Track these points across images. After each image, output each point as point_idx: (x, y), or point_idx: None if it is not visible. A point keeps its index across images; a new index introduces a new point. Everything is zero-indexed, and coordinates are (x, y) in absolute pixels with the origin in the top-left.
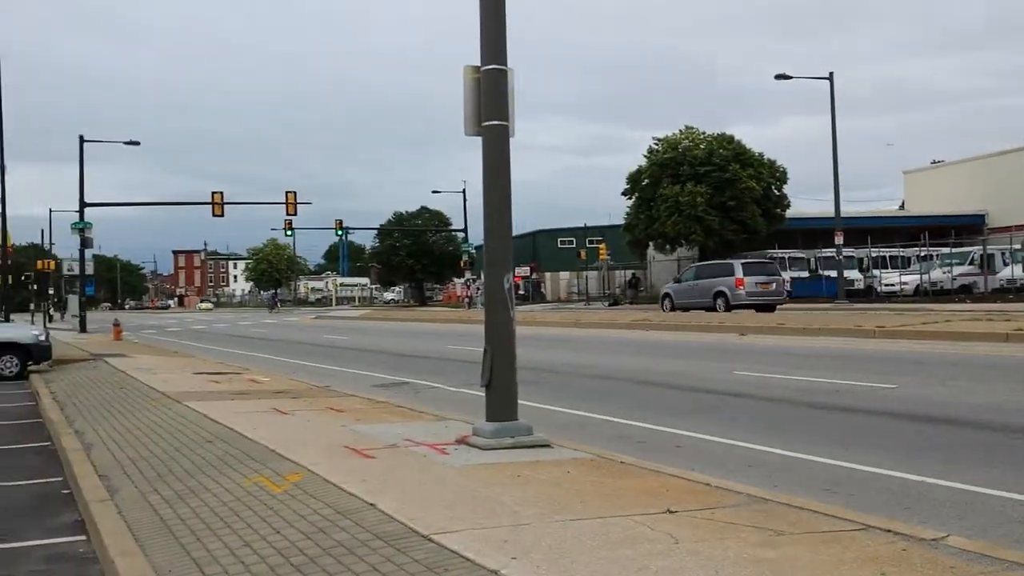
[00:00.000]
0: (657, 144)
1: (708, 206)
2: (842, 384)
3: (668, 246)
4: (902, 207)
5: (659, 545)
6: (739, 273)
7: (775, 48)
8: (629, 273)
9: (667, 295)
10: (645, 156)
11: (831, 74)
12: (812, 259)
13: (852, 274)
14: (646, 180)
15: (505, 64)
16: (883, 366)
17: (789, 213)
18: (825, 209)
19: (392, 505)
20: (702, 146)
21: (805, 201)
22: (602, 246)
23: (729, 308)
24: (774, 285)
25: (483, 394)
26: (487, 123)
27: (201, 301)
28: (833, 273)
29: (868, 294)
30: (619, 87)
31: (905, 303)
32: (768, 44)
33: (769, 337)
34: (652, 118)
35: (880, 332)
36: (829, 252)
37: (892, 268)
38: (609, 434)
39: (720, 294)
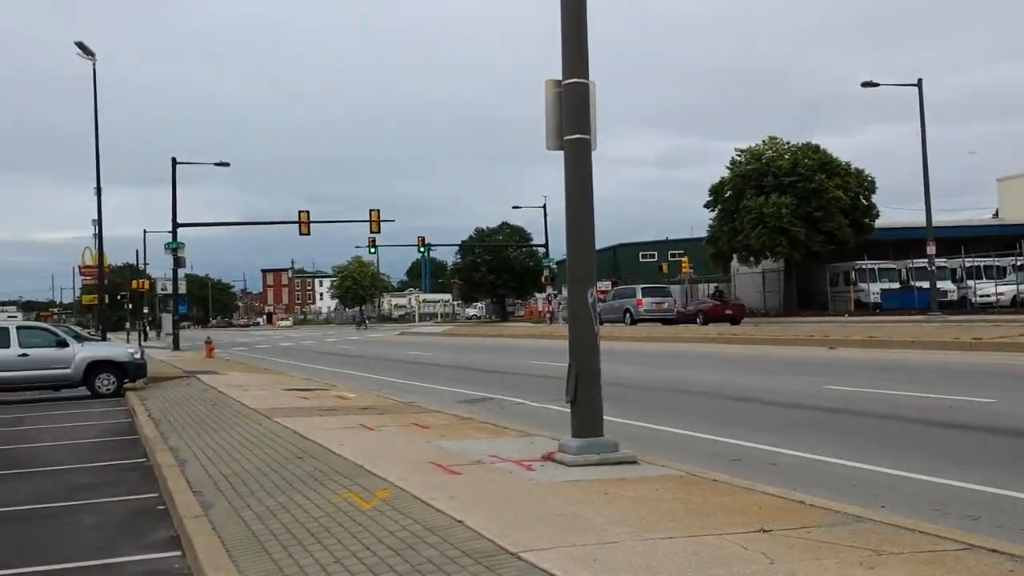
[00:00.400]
0: (740, 155)
1: (793, 217)
2: (943, 399)
3: (752, 258)
4: (996, 215)
5: (754, 565)
6: (639, 295)
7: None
8: (713, 286)
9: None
10: (728, 167)
11: (919, 81)
12: (903, 270)
13: (945, 285)
14: (729, 192)
15: (587, 77)
16: (982, 380)
17: (878, 223)
18: (916, 218)
19: (480, 522)
20: (787, 156)
21: (895, 210)
22: (684, 259)
23: (634, 322)
24: (666, 304)
25: (568, 410)
26: (569, 137)
27: (280, 319)
28: (925, 284)
29: (962, 305)
30: (701, 98)
31: (1002, 314)
32: (853, 52)
33: (858, 350)
34: (734, 129)
35: (977, 344)
36: (921, 262)
37: (987, 278)
38: (699, 451)
39: (627, 311)
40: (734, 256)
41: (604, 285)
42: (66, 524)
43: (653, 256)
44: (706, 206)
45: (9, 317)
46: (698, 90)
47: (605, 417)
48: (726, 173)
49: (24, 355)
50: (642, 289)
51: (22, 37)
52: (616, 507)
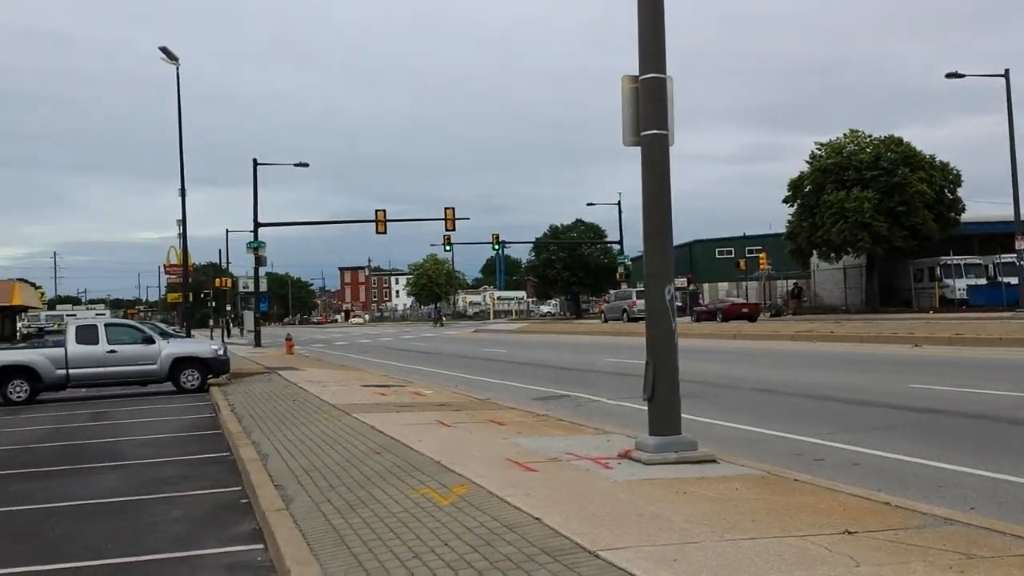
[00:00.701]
0: (820, 149)
1: (875, 212)
2: None
3: (833, 254)
4: None
5: (838, 568)
6: (634, 297)
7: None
8: (791, 283)
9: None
10: (807, 162)
11: (1007, 71)
12: (990, 265)
13: None
14: (808, 187)
15: (664, 72)
16: None
17: (964, 217)
18: (1004, 212)
19: (557, 519)
20: (868, 150)
21: (983, 204)
22: (762, 255)
23: (631, 320)
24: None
25: (645, 407)
26: (646, 132)
27: (354, 316)
28: (1014, 280)
29: None
30: (780, 92)
31: None
32: (936, 43)
33: (944, 348)
34: (814, 123)
35: None
36: (1009, 258)
37: None
38: (779, 450)
39: (624, 311)
40: (814, 252)
41: (680, 281)
42: (152, 516)
43: (730, 252)
44: (785, 201)
45: (97, 315)
46: (777, 84)
47: (683, 415)
48: (805, 167)
49: (112, 351)
50: (636, 292)
51: (111, 44)
52: (695, 506)
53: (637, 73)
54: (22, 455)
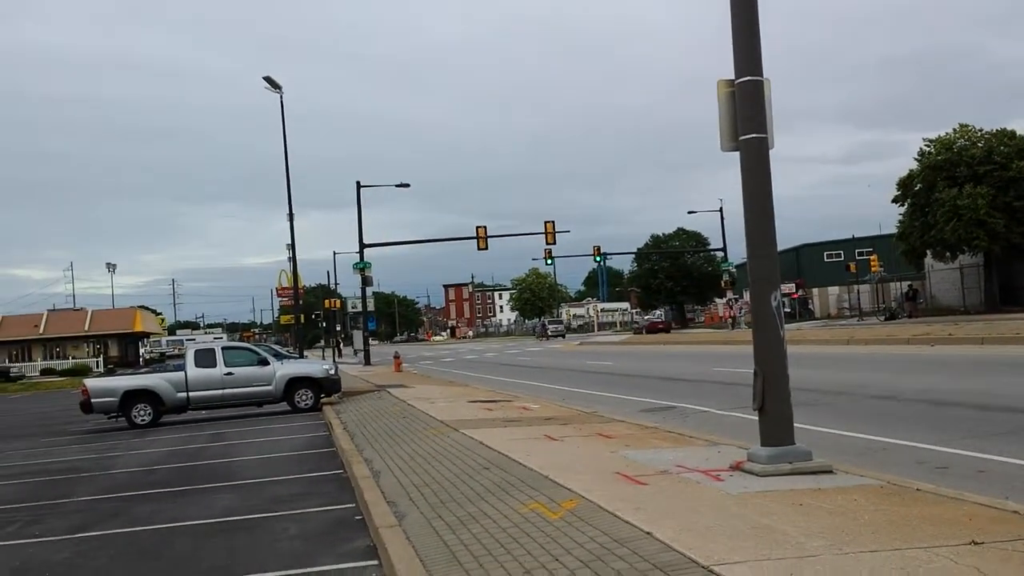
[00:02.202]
0: (929, 146)
1: (991, 208)
2: None
3: (948, 254)
4: None
5: None
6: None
7: None
8: (905, 285)
9: None
10: (916, 159)
11: None
12: None
13: None
14: (919, 185)
15: (760, 75)
16: None
17: None
18: None
19: (669, 533)
20: (980, 144)
21: None
22: (873, 257)
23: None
24: (561, 327)
25: (756, 418)
26: (744, 137)
27: (435, 335)
28: None
29: None
30: (883, 90)
31: None
32: None
33: None
34: (920, 120)
35: None
36: None
37: None
38: (899, 459)
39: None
40: (927, 252)
41: (788, 287)
42: (270, 534)
43: (839, 255)
44: (894, 201)
45: (215, 338)
46: (880, 82)
47: (796, 424)
48: (914, 165)
49: (229, 374)
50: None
51: (222, 76)
52: (812, 519)
53: (733, 77)
54: (145, 476)
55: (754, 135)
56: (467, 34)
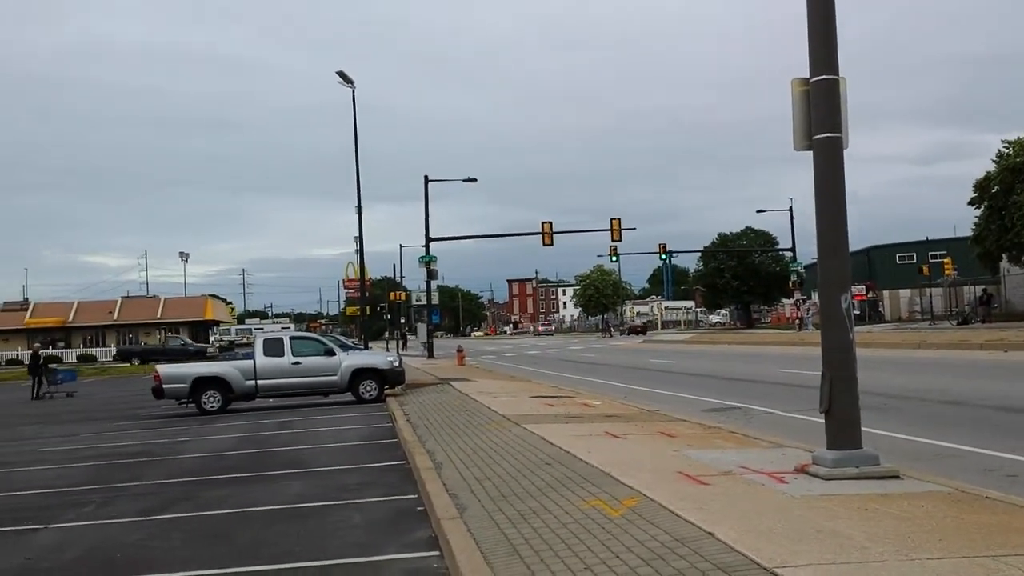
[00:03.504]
0: (1007, 147)
1: None
2: None
3: None
4: None
5: None
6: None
7: None
8: (979, 289)
9: None
10: (994, 161)
11: None
12: None
13: None
14: (996, 187)
15: (836, 73)
16: None
17: None
18: None
19: (731, 535)
20: None
21: None
22: (947, 260)
23: None
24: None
25: (822, 421)
26: (818, 136)
27: (475, 330)
28: None
29: None
30: (960, 89)
31: None
32: None
33: None
34: (998, 120)
35: None
36: None
37: None
38: (969, 466)
39: None
40: (1003, 256)
41: (859, 289)
42: (336, 521)
43: (911, 258)
44: (970, 203)
45: (283, 328)
46: (956, 81)
47: (863, 428)
48: (992, 167)
49: (297, 363)
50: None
51: (294, 72)
52: (877, 524)
53: (807, 75)
54: (216, 462)
55: (828, 135)
56: (530, 31)
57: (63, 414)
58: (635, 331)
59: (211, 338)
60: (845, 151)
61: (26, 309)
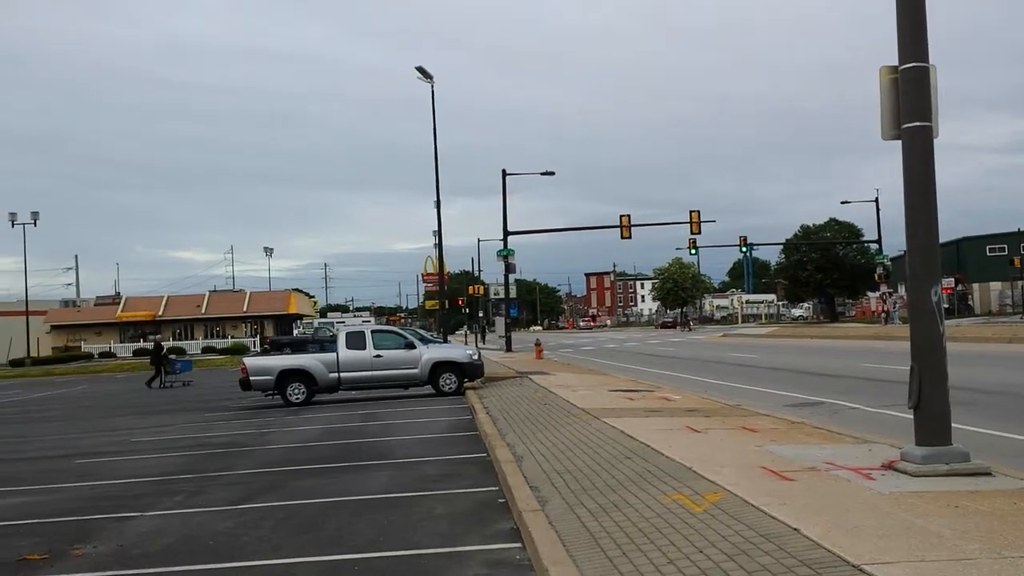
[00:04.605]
0: None
1: None
2: None
3: None
4: None
5: None
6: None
7: None
8: None
9: None
10: None
11: None
12: None
13: None
14: None
15: (926, 61)
16: None
17: None
18: None
19: (817, 531)
20: None
21: None
22: None
23: None
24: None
25: (910, 416)
26: (907, 125)
27: (534, 325)
28: None
29: None
30: None
31: None
32: None
33: None
34: None
35: None
36: None
37: None
38: None
39: None
40: None
41: (947, 282)
42: (419, 512)
43: (1003, 249)
44: None
45: (363, 322)
46: None
47: (953, 424)
48: None
49: (378, 356)
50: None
51: (373, 68)
52: (968, 521)
53: (896, 63)
54: (302, 452)
55: (918, 123)
56: (607, 24)
57: (156, 404)
58: (666, 326)
59: (295, 331)
60: (935, 140)
61: (118, 303)
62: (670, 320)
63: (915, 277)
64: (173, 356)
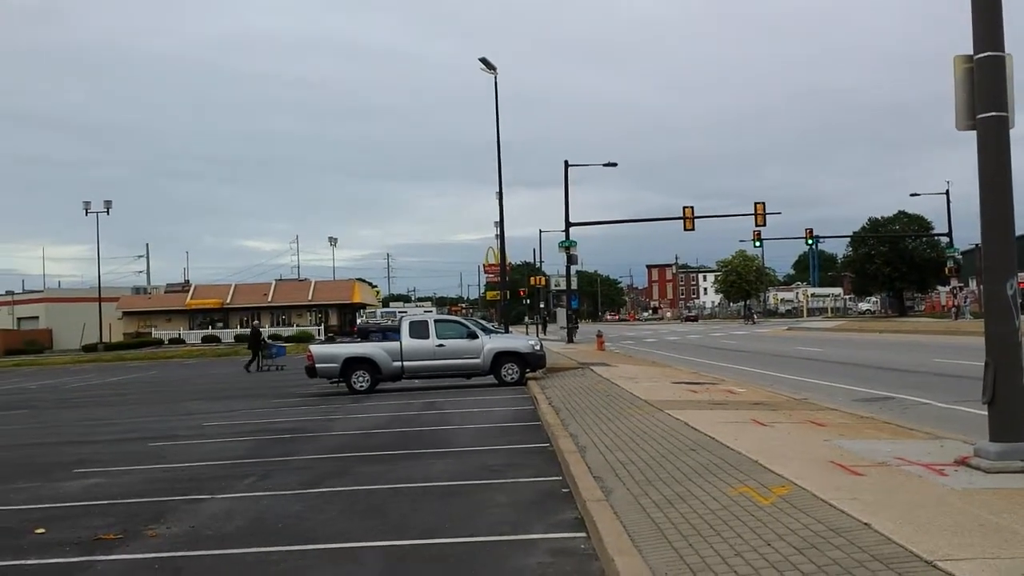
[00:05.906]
0: None
1: None
2: None
3: None
4: None
5: None
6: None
7: None
8: None
9: None
10: None
11: None
12: None
13: None
14: None
15: (1002, 50)
16: None
17: None
18: None
19: (888, 526)
20: None
21: None
22: None
23: None
24: None
25: (983, 412)
26: (982, 115)
27: (612, 315)
28: None
29: None
30: None
31: None
32: None
33: None
34: None
35: None
36: None
37: None
38: None
39: None
40: None
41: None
42: (483, 500)
43: None
44: None
45: (425, 312)
46: None
47: None
48: None
49: (441, 346)
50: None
51: (437, 60)
52: None
53: (971, 52)
54: (366, 439)
55: (993, 114)
56: (670, 14)
57: (226, 390)
58: (690, 319)
59: (358, 321)
60: (1012, 130)
61: (187, 291)
62: (692, 315)
63: (990, 271)
64: (270, 341)
